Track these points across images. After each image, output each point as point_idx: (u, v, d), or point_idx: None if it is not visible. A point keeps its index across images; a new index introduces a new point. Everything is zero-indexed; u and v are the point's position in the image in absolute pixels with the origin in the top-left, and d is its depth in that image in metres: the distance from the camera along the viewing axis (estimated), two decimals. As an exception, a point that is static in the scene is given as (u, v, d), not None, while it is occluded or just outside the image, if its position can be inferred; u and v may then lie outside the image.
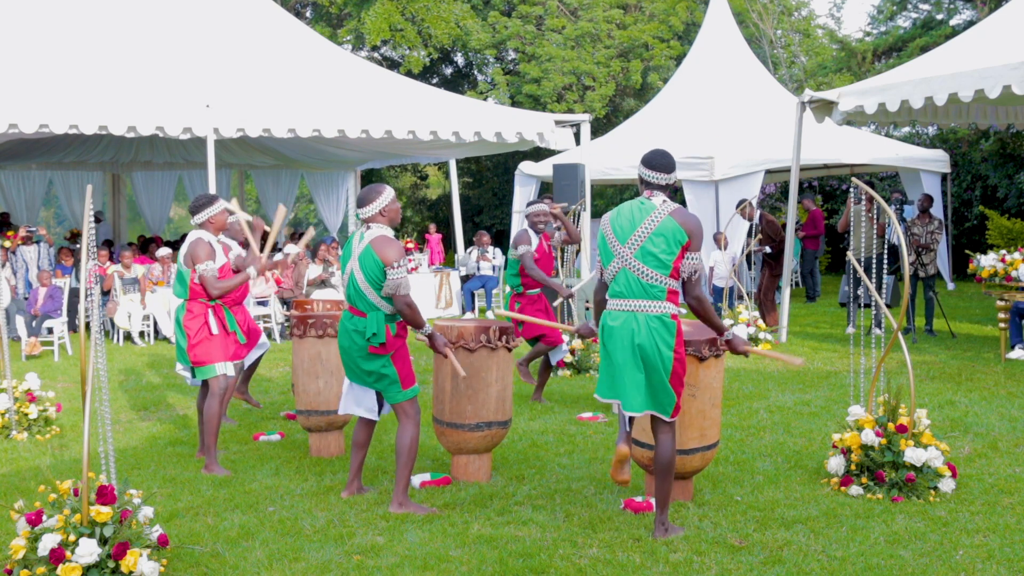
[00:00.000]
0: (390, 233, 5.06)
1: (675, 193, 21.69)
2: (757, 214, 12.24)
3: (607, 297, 4.56)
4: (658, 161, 4.52)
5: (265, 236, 6.58)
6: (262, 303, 12.38)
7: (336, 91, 12.38)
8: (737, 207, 12.37)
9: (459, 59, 31.57)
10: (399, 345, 5.08)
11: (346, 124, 11.55)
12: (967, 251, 11.01)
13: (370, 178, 28.09)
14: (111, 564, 3.88)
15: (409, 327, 5.12)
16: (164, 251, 13.22)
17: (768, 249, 11.99)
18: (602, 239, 4.57)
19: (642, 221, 4.42)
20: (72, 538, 3.87)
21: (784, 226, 12.17)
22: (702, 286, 4.59)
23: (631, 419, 4.56)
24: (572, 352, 9.31)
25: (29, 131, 10.54)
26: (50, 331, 11.21)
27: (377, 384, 5.07)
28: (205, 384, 6.13)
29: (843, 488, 5.23)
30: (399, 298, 4.94)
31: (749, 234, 12.28)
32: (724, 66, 16.65)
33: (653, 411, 4.46)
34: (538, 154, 17.32)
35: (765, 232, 12.04)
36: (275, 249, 15.04)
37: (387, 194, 5.08)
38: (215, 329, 5.98)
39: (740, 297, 11.51)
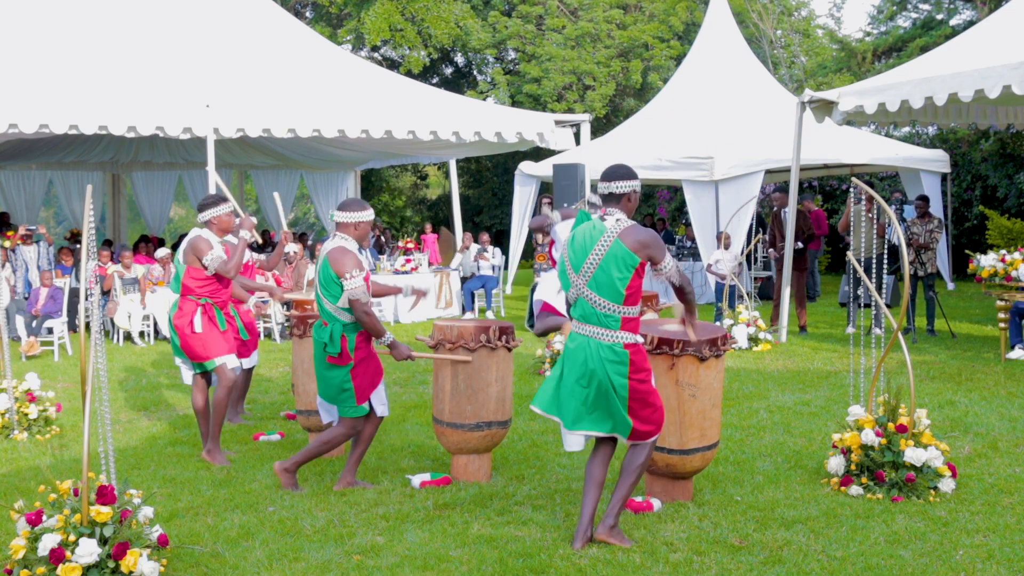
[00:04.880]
0: (349, 245, 5.20)
1: (675, 193, 21.73)
2: (794, 209, 11.77)
3: (572, 317, 4.53)
4: (610, 172, 4.47)
5: (267, 237, 6.68)
6: (262, 303, 12.36)
7: (336, 91, 12.37)
8: (772, 192, 12.25)
9: (459, 59, 31.58)
10: (360, 358, 5.17)
11: (346, 124, 11.54)
12: (967, 251, 11.00)
13: (370, 178, 28.11)
14: (111, 564, 3.88)
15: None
16: (164, 251, 13.22)
17: (800, 244, 11.82)
18: (561, 263, 4.54)
19: (593, 247, 4.35)
20: (72, 538, 3.88)
21: (815, 218, 12.07)
22: (687, 281, 4.50)
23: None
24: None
25: (29, 131, 10.54)
26: (50, 331, 11.20)
27: (334, 397, 5.25)
28: (202, 379, 6.24)
29: (843, 488, 5.23)
30: (357, 306, 5.05)
31: (772, 230, 12.15)
32: (724, 66, 16.64)
33: (610, 433, 4.46)
34: (538, 154, 17.32)
35: (799, 226, 11.85)
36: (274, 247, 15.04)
37: (368, 213, 5.27)
38: (198, 327, 6.08)
39: (740, 297, 11.51)
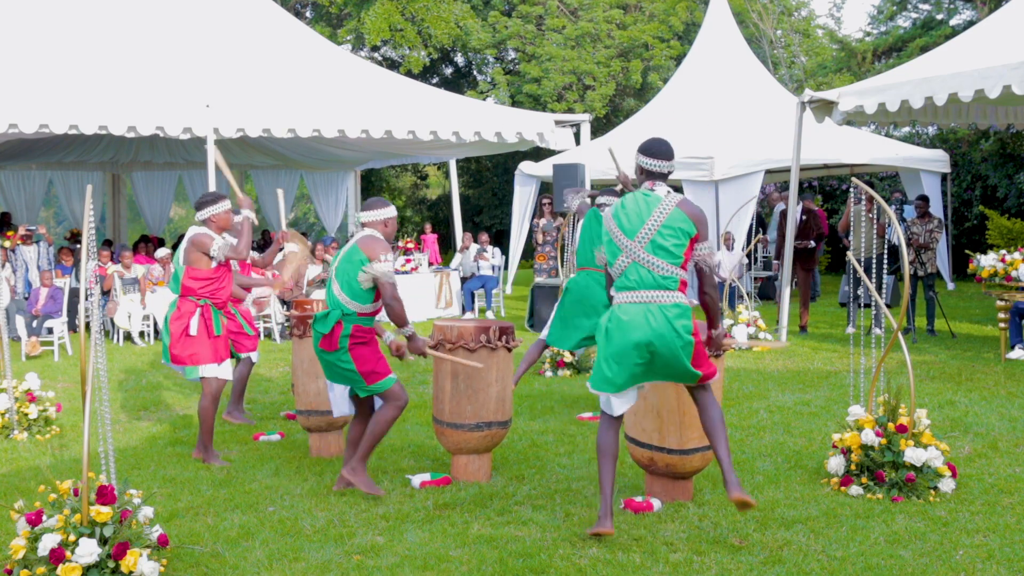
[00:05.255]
0: (381, 237, 5.19)
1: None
2: (799, 207, 11.83)
3: (614, 291, 4.49)
4: (658, 148, 4.47)
5: (270, 242, 6.68)
6: (262, 299, 12.36)
7: (336, 91, 12.38)
8: (773, 192, 12.28)
9: (459, 59, 31.59)
10: (353, 344, 5.13)
11: (346, 124, 11.54)
12: (967, 251, 11.01)
13: (370, 178, 28.10)
14: (111, 564, 3.88)
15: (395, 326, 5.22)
16: (164, 251, 13.22)
17: (812, 244, 11.86)
18: (607, 235, 4.51)
19: (650, 214, 4.36)
20: (72, 538, 3.87)
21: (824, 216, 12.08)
22: (714, 285, 4.57)
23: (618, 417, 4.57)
24: (572, 352, 9.29)
25: (29, 131, 10.54)
26: (50, 331, 11.20)
27: (343, 378, 5.23)
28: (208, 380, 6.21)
29: (843, 488, 5.23)
30: (388, 289, 5.04)
31: (780, 229, 12.15)
32: (724, 66, 16.64)
33: (672, 381, 4.48)
34: (538, 154, 17.33)
35: (809, 225, 11.89)
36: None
37: (393, 210, 5.28)
38: (193, 330, 6.04)
39: (740, 297, 11.51)
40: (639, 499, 5.03)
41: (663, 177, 4.47)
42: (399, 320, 5.12)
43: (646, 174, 4.48)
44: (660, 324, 4.32)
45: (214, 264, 6.14)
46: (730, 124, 14.96)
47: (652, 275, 4.35)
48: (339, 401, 5.41)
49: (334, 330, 5.13)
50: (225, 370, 6.18)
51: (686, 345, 4.34)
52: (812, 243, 11.81)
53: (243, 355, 6.96)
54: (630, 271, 4.40)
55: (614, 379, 4.42)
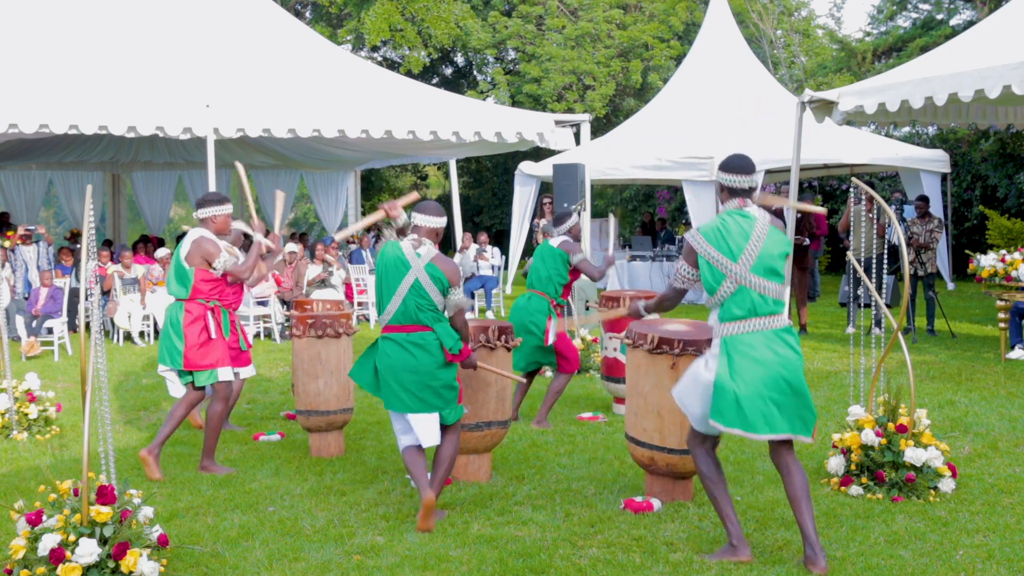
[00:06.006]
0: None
1: (675, 193, 21.73)
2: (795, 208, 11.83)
3: (718, 322, 4.23)
4: (738, 164, 4.29)
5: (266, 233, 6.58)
6: (262, 303, 12.38)
7: (336, 91, 12.36)
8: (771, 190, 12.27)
9: (459, 59, 31.60)
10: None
11: (346, 124, 11.53)
12: (967, 251, 11.00)
13: (370, 178, 28.09)
14: (111, 564, 3.88)
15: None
16: (164, 251, 13.22)
17: (807, 241, 11.86)
18: (703, 263, 4.24)
19: (751, 234, 4.20)
20: (72, 538, 3.88)
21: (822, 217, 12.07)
22: None
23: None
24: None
25: (29, 131, 10.53)
26: (50, 331, 11.20)
27: (441, 400, 4.84)
28: (195, 392, 5.95)
29: (843, 488, 5.23)
30: (463, 314, 4.91)
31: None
32: (724, 66, 16.64)
33: (799, 434, 4.17)
34: (538, 154, 17.32)
35: (803, 223, 11.90)
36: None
37: (445, 219, 5.01)
38: (214, 333, 5.84)
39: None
40: (639, 499, 5.03)
41: (748, 193, 4.30)
42: (468, 337, 5.03)
43: (731, 192, 4.30)
44: (786, 351, 4.15)
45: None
46: (730, 124, 14.95)
47: (764, 299, 4.17)
48: (432, 431, 4.92)
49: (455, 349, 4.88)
50: (231, 374, 5.97)
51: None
52: (806, 240, 11.80)
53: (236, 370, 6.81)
54: (739, 298, 4.17)
55: (751, 420, 4.09)
